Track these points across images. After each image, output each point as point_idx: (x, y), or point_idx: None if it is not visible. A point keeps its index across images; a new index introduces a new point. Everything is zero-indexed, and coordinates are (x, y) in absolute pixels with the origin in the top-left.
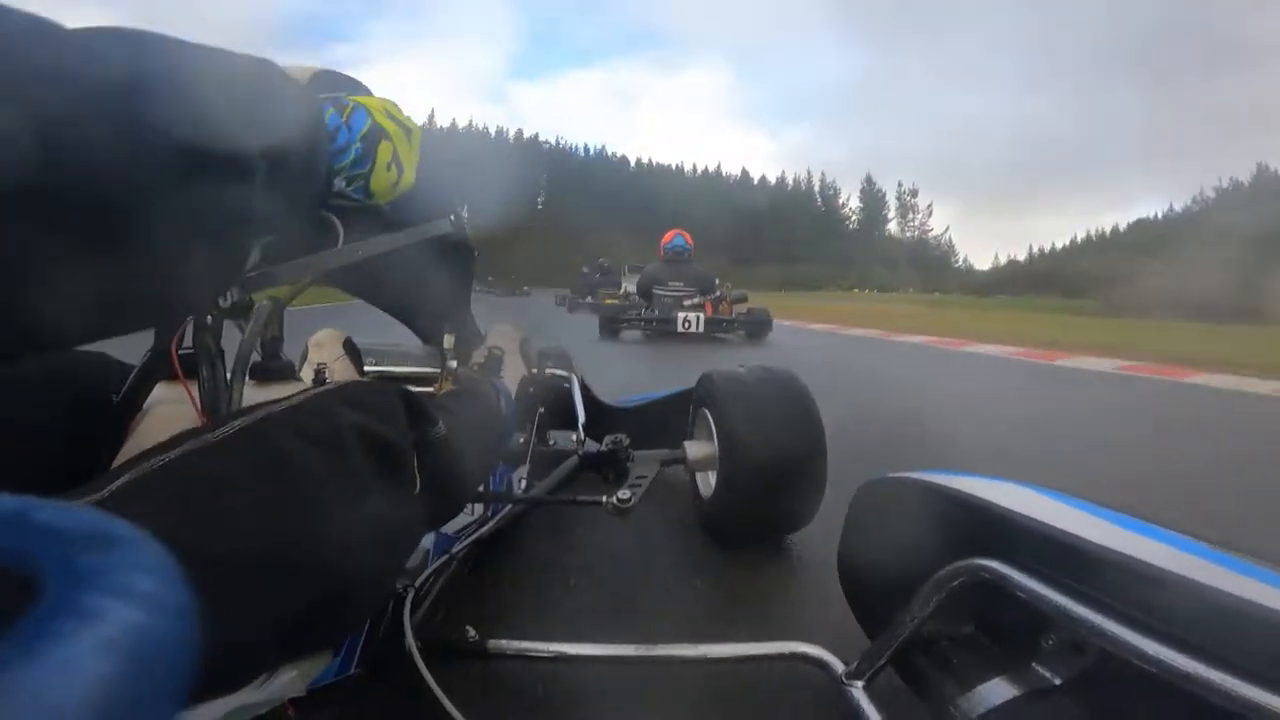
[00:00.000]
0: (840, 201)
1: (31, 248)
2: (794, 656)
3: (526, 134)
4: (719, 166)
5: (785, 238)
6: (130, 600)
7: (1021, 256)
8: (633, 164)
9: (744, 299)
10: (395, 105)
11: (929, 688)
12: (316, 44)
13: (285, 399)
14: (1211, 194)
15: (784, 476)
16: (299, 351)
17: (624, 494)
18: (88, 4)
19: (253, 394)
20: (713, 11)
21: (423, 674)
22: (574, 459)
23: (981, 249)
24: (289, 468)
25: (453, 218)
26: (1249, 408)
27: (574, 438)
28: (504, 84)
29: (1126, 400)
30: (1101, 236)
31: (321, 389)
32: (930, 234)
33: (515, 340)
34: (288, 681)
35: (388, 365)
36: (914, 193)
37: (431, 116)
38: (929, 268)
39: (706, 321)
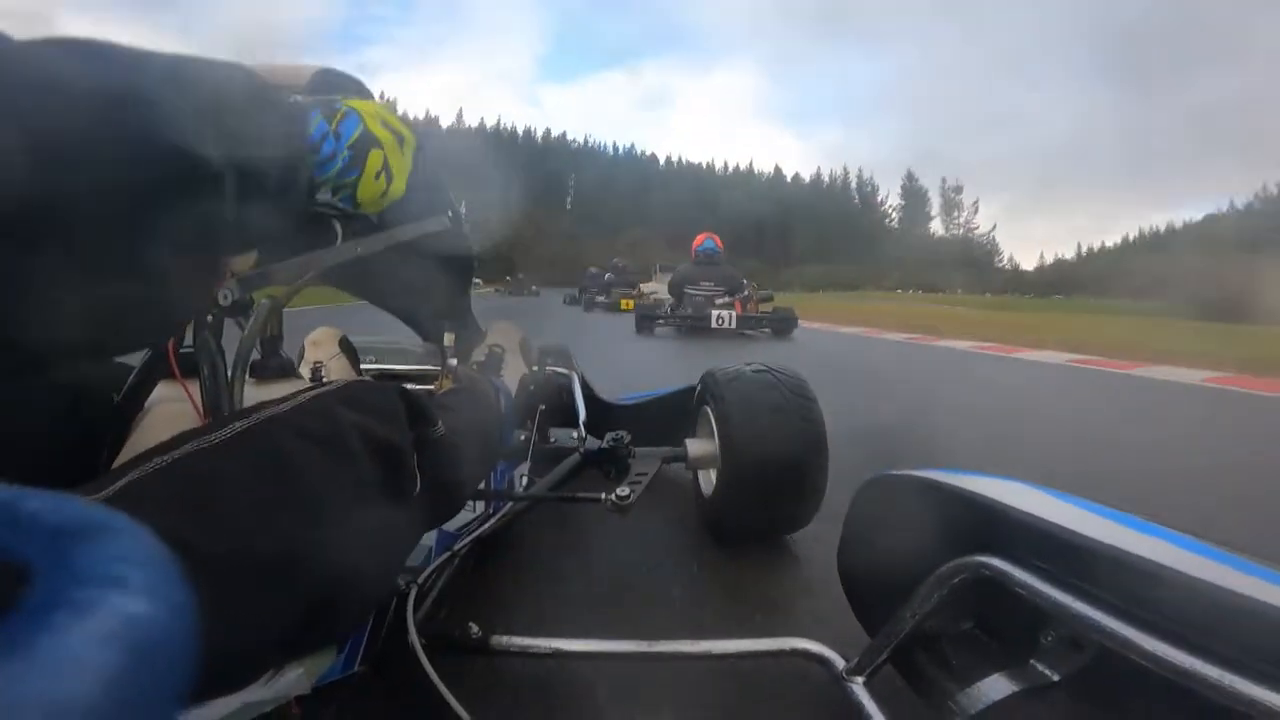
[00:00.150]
0: (879, 199)
1: None
2: (795, 653)
3: (554, 133)
4: (750, 164)
5: (821, 235)
6: (126, 592)
7: (1069, 254)
8: (662, 162)
9: (770, 298)
10: (390, 111)
11: (929, 684)
12: (348, 48)
13: (286, 399)
14: (1275, 190)
15: (785, 475)
16: (295, 350)
17: (623, 491)
18: (135, 17)
19: (253, 392)
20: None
21: (426, 671)
22: (575, 456)
23: (1024, 248)
24: (290, 468)
25: (450, 215)
26: None
27: (575, 435)
28: (533, 86)
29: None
30: (1155, 234)
31: (322, 389)
32: (976, 231)
33: (515, 338)
34: (293, 679)
35: (388, 363)
36: (958, 189)
37: (460, 115)
38: (972, 267)
39: (738, 319)
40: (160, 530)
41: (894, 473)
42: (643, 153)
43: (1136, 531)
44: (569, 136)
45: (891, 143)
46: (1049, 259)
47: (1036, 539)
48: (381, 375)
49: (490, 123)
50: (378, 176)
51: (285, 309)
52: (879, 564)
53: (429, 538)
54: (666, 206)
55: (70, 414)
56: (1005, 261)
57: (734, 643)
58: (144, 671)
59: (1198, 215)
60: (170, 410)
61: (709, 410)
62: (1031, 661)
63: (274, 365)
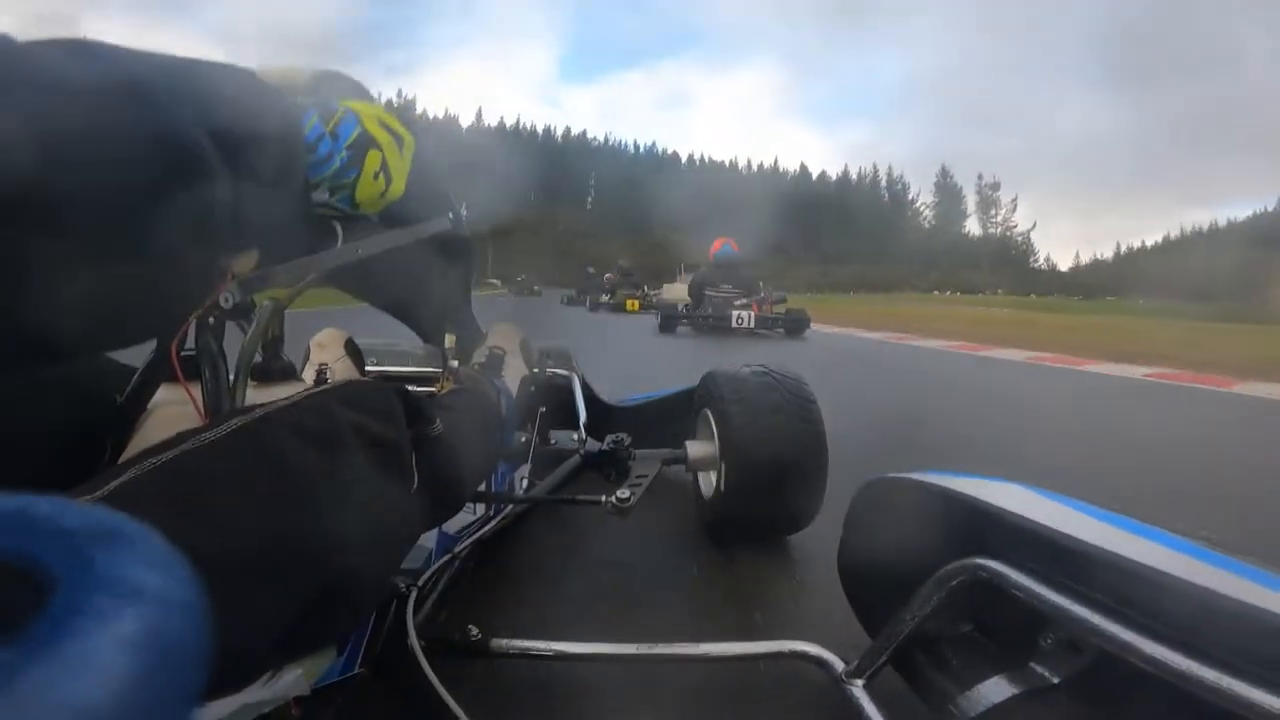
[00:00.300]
0: (910, 196)
1: None
2: (794, 655)
3: (574, 131)
4: (775, 161)
5: (851, 234)
6: (144, 596)
7: (1107, 254)
8: (684, 160)
9: (783, 300)
10: (389, 112)
11: (928, 686)
12: (372, 50)
13: (284, 399)
14: None
15: (785, 477)
16: (301, 352)
17: (624, 493)
18: (159, 20)
19: (255, 395)
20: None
21: (426, 673)
22: (575, 458)
23: (1059, 247)
24: (286, 465)
25: (451, 216)
26: None
27: (575, 437)
28: (553, 87)
29: None
30: (1199, 233)
31: (319, 388)
32: (1014, 230)
33: (516, 339)
34: (292, 680)
35: (389, 365)
36: (995, 186)
37: (480, 115)
38: (1009, 266)
39: (755, 319)
40: (156, 529)
41: (893, 475)
42: (664, 151)
43: (1134, 535)
44: (589, 134)
45: (922, 139)
46: (1084, 259)
47: (1034, 542)
48: (383, 377)
49: (510, 122)
50: (376, 177)
51: (295, 310)
52: (879, 565)
53: (429, 540)
54: (689, 205)
55: (73, 416)
56: (1041, 261)
57: (734, 645)
58: (163, 673)
59: (1242, 214)
60: (173, 412)
61: (709, 412)
62: (1031, 664)
63: (276, 368)
